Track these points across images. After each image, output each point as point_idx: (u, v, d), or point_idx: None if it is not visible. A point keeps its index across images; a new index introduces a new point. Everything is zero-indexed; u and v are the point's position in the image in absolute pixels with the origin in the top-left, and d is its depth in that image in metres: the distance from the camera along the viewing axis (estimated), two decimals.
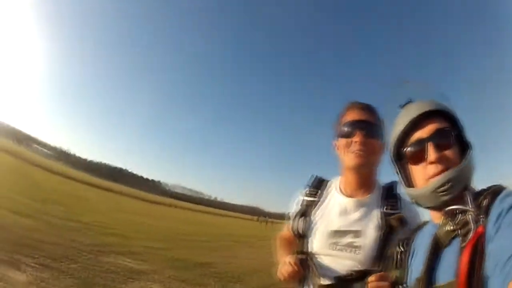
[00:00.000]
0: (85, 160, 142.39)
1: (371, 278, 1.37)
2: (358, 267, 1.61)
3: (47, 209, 11.68)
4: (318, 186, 1.90)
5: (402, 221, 1.62)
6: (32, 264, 5.52)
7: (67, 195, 19.44)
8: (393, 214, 1.65)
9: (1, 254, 5.54)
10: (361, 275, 1.55)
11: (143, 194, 66.44)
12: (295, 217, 1.83)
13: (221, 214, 73.17)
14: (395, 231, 1.61)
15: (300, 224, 1.80)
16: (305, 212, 1.82)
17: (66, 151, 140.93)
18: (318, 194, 1.86)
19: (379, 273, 1.43)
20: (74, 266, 6.13)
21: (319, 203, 1.82)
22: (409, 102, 1.31)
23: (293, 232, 1.82)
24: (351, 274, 1.60)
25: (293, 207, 1.91)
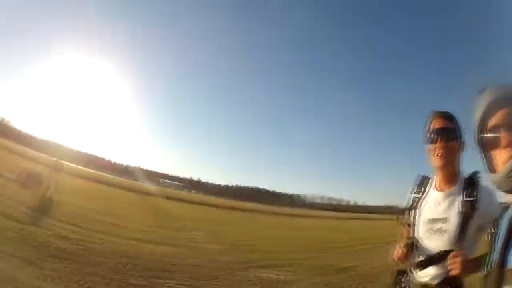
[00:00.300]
0: (218, 186, 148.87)
1: (450, 256, 1.98)
2: (444, 247, 2.12)
3: (185, 236, 13.19)
4: (422, 184, 2.44)
5: (476, 207, 2.06)
6: (172, 285, 6.27)
7: (204, 221, 20.75)
8: (470, 201, 2.08)
9: (139, 280, 6.27)
10: (445, 254, 2.07)
11: (284, 209, 67.78)
12: (407, 211, 2.41)
13: (361, 218, 71.55)
14: (471, 216, 2.06)
15: (409, 216, 2.39)
16: (413, 206, 2.38)
17: (197, 180, 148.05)
18: (422, 191, 2.39)
19: (455, 252, 2.01)
20: (216, 283, 6.85)
21: (422, 198, 2.36)
22: (485, 88, 1.32)
23: (406, 223, 2.42)
24: (439, 253, 2.14)
25: (406, 204, 2.45)
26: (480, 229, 2.11)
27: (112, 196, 27.05)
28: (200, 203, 44.12)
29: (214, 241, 12.71)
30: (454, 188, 2.20)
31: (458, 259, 1.96)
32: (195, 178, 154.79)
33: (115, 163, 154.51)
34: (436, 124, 2.24)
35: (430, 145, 2.22)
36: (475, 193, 2.09)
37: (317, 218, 53.53)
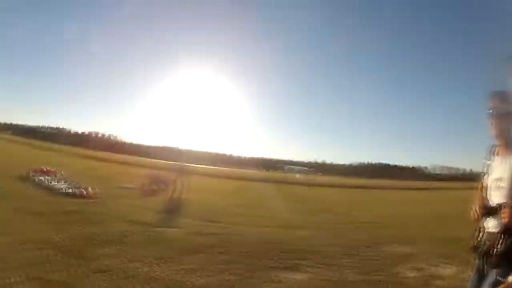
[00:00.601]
0: (343, 165, 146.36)
1: (502, 207, 2.57)
2: (501, 201, 2.65)
3: (316, 219, 13.93)
4: (492, 151, 2.93)
5: None
6: (313, 265, 6.88)
7: (332, 202, 21.69)
8: None
9: (279, 263, 6.89)
10: (501, 206, 2.62)
11: (407, 183, 65.33)
12: (482, 175, 2.98)
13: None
14: None
15: (483, 179, 2.95)
16: (485, 171, 2.93)
17: (321, 163, 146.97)
18: (491, 157, 2.91)
19: (505, 203, 2.56)
20: (353, 260, 7.44)
21: (491, 163, 2.89)
22: None
23: (481, 186, 2.98)
24: (497, 206, 2.68)
25: (482, 169, 3.02)
26: None
27: (242, 189, 28.25)
28: (327, 185, 44.20)
29: (344, 221, 13.38)
30: (508, 154, 2.70)
31: (507, 210, 2.48)
32: (319, 160, 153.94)
33: (238, 157, 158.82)
34: (491, 102, 2.79)
35: (488, 120, 2.78)
36: None
37: (438, 190, 51.19)
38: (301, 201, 21.59)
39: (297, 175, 75.25)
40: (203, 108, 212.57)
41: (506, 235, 2.57)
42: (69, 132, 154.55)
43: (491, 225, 2.76)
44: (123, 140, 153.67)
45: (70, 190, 13.91)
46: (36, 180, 15.93)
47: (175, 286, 5.33)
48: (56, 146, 74.50)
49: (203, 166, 58.32)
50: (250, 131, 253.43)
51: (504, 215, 2.52)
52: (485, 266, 2.76)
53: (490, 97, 2.86)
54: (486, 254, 2.73)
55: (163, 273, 5.85)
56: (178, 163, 21.16)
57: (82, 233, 7.96)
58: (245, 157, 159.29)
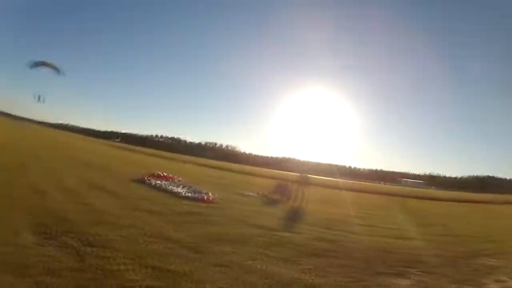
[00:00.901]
0: (454, 178, 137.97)
1: None
2: None
3: (424, 230, 13.87)
4: None
5: None
6: (416, 272, 7.46)
7: (440, 215, 21.49)
8: None
9: (388, 269, 7.51)
10: None
11: None
12: None
13: None
14: None
15: None
16: None
17: (435, 175, 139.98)
18: None
19: None
20: (450, 269, 7.98)
21: None
22: None
23: None
24: None
25: None
26: None
27: (358, 200, 28.31)
28: (437, 199, 42.47)
29: (447, 234, 13.57)
30: None
31: None
32: (433, 173, 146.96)
33: (356, 169, 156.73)
34: None
35: None
36: None
37: None
38: (412, 213, 21.11)
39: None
40: (322, 120, 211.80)
41: None
42: (184, 141, 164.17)
43: None
44: (241, 151, 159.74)
45: (189, 194, 14.79)
46: (153, 183, 16.92)
47: (292, 282, 5.96)
48: (170, 154, 79.06)
49: (322, 177, 58.27)
50: (368, 143, 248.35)
51: None
52: None
53: None
54: None
55: (282, 270, 6.54)
56: (299, 174, 22.03)
57: (203, 232, 8.79)
58: (363, 169, 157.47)
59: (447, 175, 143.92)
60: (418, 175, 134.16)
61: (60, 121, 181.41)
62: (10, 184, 11.27)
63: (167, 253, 6.82)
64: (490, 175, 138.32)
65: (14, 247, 5.97)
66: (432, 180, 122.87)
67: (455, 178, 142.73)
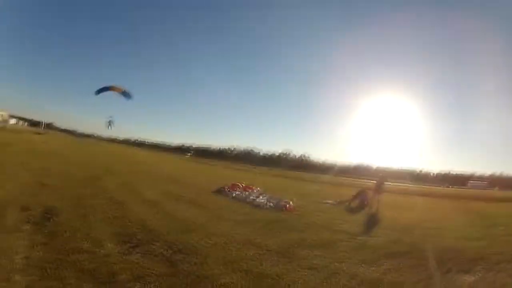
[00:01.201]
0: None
1: None
2: None
3: (493, 231, 14.25)
4: None
5: None
6: (480, 269, 8.12)
7: (505, 216, 21.11)
8: None
9: (458, 267, 8.11)
10: None
11: None
12: None
13: None
14: None
15: None
16: None
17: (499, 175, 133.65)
18: None
19: None
20: (509, 266, 8.60)
21: None
22: None
23: None
24: None
25: None
26: None
27: (427, 204, 28.38)
28: (503, 200, 41.26)
29: (507, 233, 13.66)
30: None
31: None
32: (496, 173, 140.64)
33: (426, 174, 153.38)
34: None
35: None
36: None
37: None
38: (477, 215, 21.15)
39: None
40: (392, 125, 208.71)
41: None
42: (258, 153, 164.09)
43: None
44: (314, 160, 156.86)
45: (270, 204, 15.40)
46: (233, 194, 17.57)
47: (376, 282, 6.71)
48: (245, 166, 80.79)
49: (394, 183, 57.97)
50: (436, 146, 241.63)
51: None
52: None
53: None
54: None
55: (365, 272, 7.31)
56: (375, 181, 22.18)
57: (289, 239, 9.45)
58: (432, 174, 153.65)
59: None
60: (482, 176, 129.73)
61: (127, 137, 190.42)
62: (88, 197, 11.76)
63: (257, 258, 7.38)
64: None
65: (97, 256, 6.34)
66: (495, 180, 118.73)
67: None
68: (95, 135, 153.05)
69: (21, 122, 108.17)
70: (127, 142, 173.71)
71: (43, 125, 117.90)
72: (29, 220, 7.95)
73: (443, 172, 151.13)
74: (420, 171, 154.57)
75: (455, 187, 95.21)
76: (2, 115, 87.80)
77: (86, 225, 8.29)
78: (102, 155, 44.04)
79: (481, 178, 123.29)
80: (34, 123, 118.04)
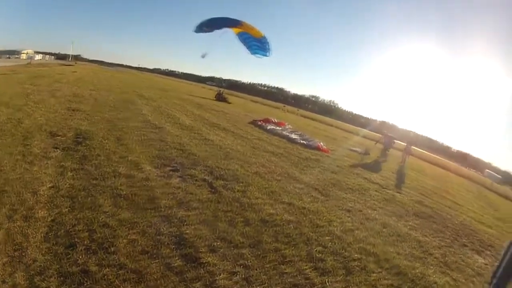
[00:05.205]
0: None
1: None
2: None
3: (503, 225, 13.90)
4: None
5: None
6: (489, 253, 8.24)
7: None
8: None
9: (472, 245, 8.38)
10: None
11: None
12: None
13: None
14: None
15: None
16: None
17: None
18: None
19: None
20: None
21: None
22: None
23: None
24: None
25: None
26: None
27: (447, 178, 28.41)
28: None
29: None
30: None
31: None
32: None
33: (447, 147, 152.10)
34: None
35: None
36: None
37: None
38: (492, 206, 21.02)
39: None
40: (427, 92, 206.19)
41: None
42: (288, 92, 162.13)
43: None
44: (342, 108, 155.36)
45: (304, 142, 15.74)
46: (268, 127, 17.86)
47: (404, 236, 7.07)
48: (275, 103, 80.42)
49: (417, 148, 58.43)
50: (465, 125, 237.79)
51: None
52: None
53: None
54: None
55: (396, 224, 7.71)
56: (406, 142, 23.28)
57: (326, 178, 9.93)
58: (453, 149, 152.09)
59: None
60: (499, 169, 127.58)
61: (156, 67, 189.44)
62: (123, 120, 11.53)
63: (299, 192, 7.76)
64: None
65: (136, 180, 6.06)
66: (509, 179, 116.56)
67: None
68: (125, 65, 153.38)
69: (47, 57, 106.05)
70: (157, 71, 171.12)
71: (70, 57, 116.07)
72: (58, 146, 7.36)
73: (463, 151, 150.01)
74: (443, 144, 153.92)
75: (472, 170, 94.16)
76: (27, 52, 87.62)
77: (122, 148, 7.96)
78: (133, 81, 43.29)
79: (496, 169, 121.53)
80: (60, 57, 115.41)
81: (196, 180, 6.74)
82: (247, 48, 17.73)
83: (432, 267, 5.99)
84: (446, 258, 6.73)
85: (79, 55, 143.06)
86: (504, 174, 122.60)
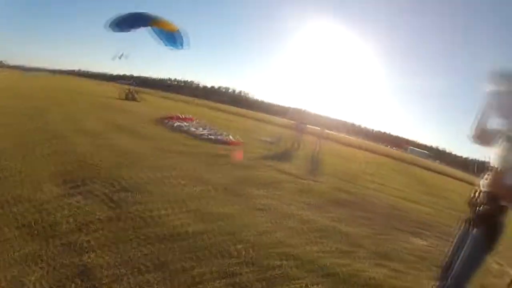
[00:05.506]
0: (460, 157, 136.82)
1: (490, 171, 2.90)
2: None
3: (436, 201, 14.59)
4: None
5: None
6: (429, 234, 8.01)
7: (447, 190, 22.14)
8: None
9: (406, 227, 8.07)
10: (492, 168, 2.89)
11: None
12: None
13: None
14: None
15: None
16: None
17: (442, 150, 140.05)
18: None
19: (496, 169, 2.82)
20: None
21: None
22: None
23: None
24: (491, 168, 2.90)
25: None
26: None
27: (368, 159, 28.87)
28: (442, 173, 43.18)
29: (451, 207, 13.51)
30: None
31: (492, 174, 2.64)
32: (440, 148, 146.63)
33: (365, 129, 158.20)
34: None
35: None
36: None
37: None
38: (421, 182, 21.86)
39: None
40: (338, 74, 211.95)
41: (489, 199, 2.74)
42: (197, 85, 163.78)
43: (483, 183, 2.93)
44: (253, 97, 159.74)
45: (212, 137, 15.13)
46: (174, 125, 16.97)
47: (328, 229, 6.36)
48: (185, 97, 78.77)
49: (335, 132, 59.77)
50: (382, 104, 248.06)
51: (491, 180, 2.71)
52: (470, 222, 3.00)
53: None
54: (473, 211, 2.95)
55: (315, 217, 6.94)
56: (296, 122, 22.04)
57: (236, 175, 9.06)
58: (372, 130, 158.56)
59: (454, 153, 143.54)
60: (425, 145, 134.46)
61: (71, 68, 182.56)
62: (31, 131, 10.12)
63: (207, 196, 6.86)
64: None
65: (38, 204, 5.14)
66: (439, 155, 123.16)
67: (461, 157, 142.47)
68: (42, 68, 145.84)
69: None
70: (72, 73, 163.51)
71: None
72: None
73: (382, 131, 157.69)
74: (360, 125, 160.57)
75: (394, 148, 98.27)
76: None
77: (27, 166, 6.72)
78: (48, 87, 39.64)
79: (421, 146, 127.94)
80: None
81: (96, 196, 5.73)
82: (161, 41, 17.09)
83: (365, 260, 5.30)
84: (380, 248, 6.08)
85: (1, 61, 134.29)
86: (431, 149, 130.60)
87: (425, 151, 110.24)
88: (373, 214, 8.37)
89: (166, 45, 17.17)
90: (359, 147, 42.88)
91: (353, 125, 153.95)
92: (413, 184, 18.96)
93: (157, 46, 16.63)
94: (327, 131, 23.11)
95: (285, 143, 20.20)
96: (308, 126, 22.05)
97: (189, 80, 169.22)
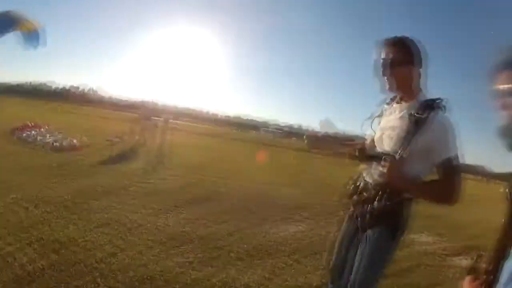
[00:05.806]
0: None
1: (385, 158, 2.30)
2: (387, 152, 2.40)
3: (296, 179, 14.42)
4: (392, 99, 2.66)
5: (422, 124, 2.16)
6: (300, 218, 7.73)
7: (307, 165, 22.59)
8: (418, 117, 2.18)
9: (275, 215, 7.55)
10: (384, 157, 2.32)
11: None
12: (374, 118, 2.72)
13: None
14: (416, 131, 2.18)
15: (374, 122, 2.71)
16: (379, 115, 2.67)
17: (297, 127, 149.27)
18: (389, 103, 2.67)
19: (391, 156, 2.25)
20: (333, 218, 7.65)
21: (388, 109, 2.62)
22: None
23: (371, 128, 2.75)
24: (379, 155, 2.36)
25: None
26: (426, 152, 2.15)
27: (222, 146, 28.75)
28: (299, 149, 45.23)
29: (321, 184, 13.56)
30: (410, 103, 2.30)
31: (388, 163, 2.14)
32: (295, 125, 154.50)
33: (214, 115, 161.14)
34: (381, 54, 2.39)
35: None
36: (427, 113, 2.14)
37: None
38: (279, 162, 22.10)
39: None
40: (184, 63, 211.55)
41: (385, 193, 2.26)
42: (50, 88, 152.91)
43: (367, 173, 2.46)
44: (103, 95, 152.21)
45: (57, 144, 13.77)
46: (22, 136, 15.06)
47: (179, 236, 5.41)
48: (37, 102, 72.75)
49: (181, 122, 58.85)
50: (228, 90, 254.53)
51: (385, 167, 2.19)
52: (360, 220, 2.43)
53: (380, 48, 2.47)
54: (362, 207, 2.40)
55: (166, 223, 5.99)
56: (161, 118, 21.43)
57: (77, 186, 7.78)
58: (221, 116, 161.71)
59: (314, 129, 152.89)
60: (279, 125, 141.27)
61: None
62: None
63: (48, 219, 5.55)
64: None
65: None
66: (295, 132, 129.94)
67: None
68: None
69: None
70: None
71: None
72: None
73: (232, 115, 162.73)
74: (207, 112, 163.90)
75: (246, 131, 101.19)
76: None
77: None
78: None
79: (276, 126, 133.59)
80: None
81: None
82: (21, 42, 14.98)
83: (231, 266, 4.54)
84: (246, 246, 5.39)
85: None
86: (286, 127, 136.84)
87: (279, 131, 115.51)
88: (234, 207, 7.71)
89: (25, 46, 15.03)
90: (209, 134, 42.29)
91: (207, 113, 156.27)
92: (274, 165, 18.90)
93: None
94: (172, 121, 22.07)
95: (130, 140, 18.79)
96: (154, 118, 21.04)
97: (42, 82, 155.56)
